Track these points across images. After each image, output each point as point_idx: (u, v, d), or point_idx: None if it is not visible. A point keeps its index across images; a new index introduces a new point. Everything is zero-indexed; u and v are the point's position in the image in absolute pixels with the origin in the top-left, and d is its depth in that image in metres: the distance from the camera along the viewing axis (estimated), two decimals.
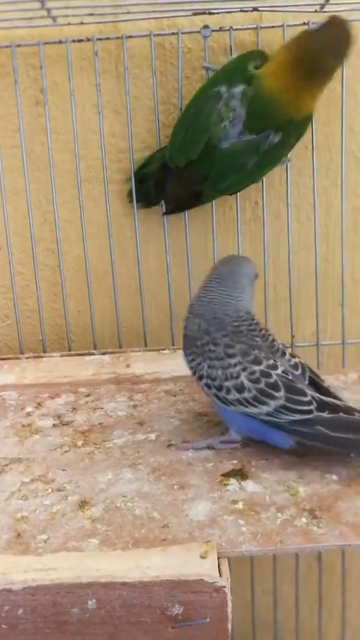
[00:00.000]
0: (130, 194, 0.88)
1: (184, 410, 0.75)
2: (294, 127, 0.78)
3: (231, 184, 0.82)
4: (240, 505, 0.57)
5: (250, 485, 0.60)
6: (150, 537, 0.54)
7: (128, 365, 0.85)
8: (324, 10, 0.81)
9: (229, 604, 0.47)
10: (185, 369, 0.84)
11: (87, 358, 0.87)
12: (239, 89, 0.77)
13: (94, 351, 0.89)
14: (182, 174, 0.82)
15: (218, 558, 0.51)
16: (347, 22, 0.73)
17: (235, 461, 0.64)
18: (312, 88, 0.75)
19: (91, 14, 0.80)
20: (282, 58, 0.74)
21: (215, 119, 0.78)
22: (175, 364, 0.85)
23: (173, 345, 0.92)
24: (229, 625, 0.47)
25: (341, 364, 0.93)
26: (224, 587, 0.47)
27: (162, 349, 0.89)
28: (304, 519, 0.55)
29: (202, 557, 0.50)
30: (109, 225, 0.89)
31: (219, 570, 0.49)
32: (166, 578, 0.47)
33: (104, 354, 0.88)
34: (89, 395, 0.80)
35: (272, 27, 0.84)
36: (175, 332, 0.93)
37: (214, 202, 0.88)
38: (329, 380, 0.79)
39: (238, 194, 0.88)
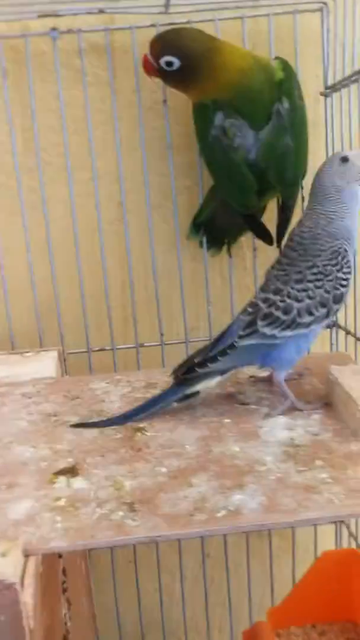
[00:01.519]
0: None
1: (35, 412, 0.74)
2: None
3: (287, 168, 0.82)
4: (62, 502, 0.57)
5: (78, 482, 0.60)
6: None
7: None
8: (169, 12, 0.83)
9: (25, 601, 0.47)
10: (46, 370, 0.84)
11: None
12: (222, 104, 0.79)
13: None
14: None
15: (26, 556, 0.51)
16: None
17: (70, 459, 0.64)
18: None
19: None
20: None
21: (229, 146, 0.79)
22: (37, 366, 0.85)
23: (41, 346, 0.92)
24: (26, 624, 0.47)
25: None
26: (14, 584, 0.46)
27: (26, 352, 0.88)
28: (121, 513, 0.55)
29: (3, 555, 0.49)
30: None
31: (24, 568, 0.49)
32: None
33: None
34: None
35: (121, 29, 0.85)
36: (43, 333, 0.92)
37: None
38: None
39: None
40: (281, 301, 0.67)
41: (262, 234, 0.87)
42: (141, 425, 0.70)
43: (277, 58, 0.81)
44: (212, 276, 0.95)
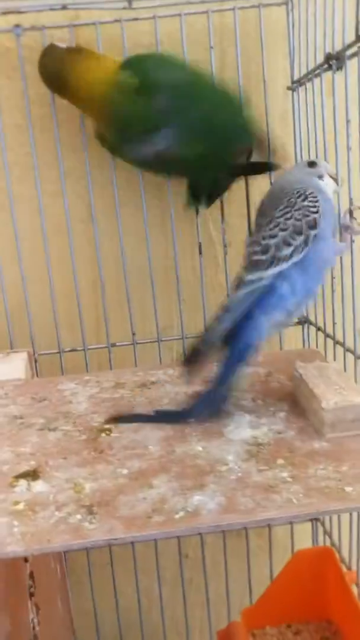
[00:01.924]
0: None
1: (1, 414, 0.73)
2: None
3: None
4: (21, 506, 0.56)
5: (39, 486, 0.59)
6: None
7: None
8: (132, 7, 0.82)
9: None
10: (15, 372, 0.83)
11: None
12: None
13: None
14: None
15: None
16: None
17: (33, 462, 0.63)
18: None
19: None
20: None
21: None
22: (6, 368, 0.84)
23: (12, 348, 0.91)
24: None
25: None
26: None
27: None
28: (79, 516, 0.55)
29: None
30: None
31: None
32: None
33: None
34: None
35: (85, 24, 0.84)
36: (14, 335, 0.91)
37: None
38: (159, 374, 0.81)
39: None
40: (258, 245, 0.68)
41: (258, 168, 0.86)
42: (106, 426, 0.69)
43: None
44: (183, 274, 0.94)
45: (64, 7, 0.82)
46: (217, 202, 0.90)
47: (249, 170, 0.87)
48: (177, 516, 0.53)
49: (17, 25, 0.83)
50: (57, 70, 0.79)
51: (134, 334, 0.93)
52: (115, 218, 0.90)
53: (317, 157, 0.81)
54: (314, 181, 0.71)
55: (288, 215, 0.67)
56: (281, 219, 0.68)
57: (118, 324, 0.94)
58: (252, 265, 0.68)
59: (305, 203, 0.68)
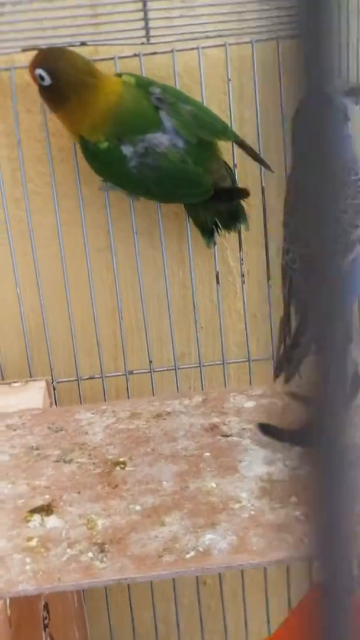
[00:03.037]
0: None
1: (18, 445, 0.74)
2: None
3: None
4: (34, 543, 0.57)
5: (52, 521, 0.60)
6: None
7: None
8: (150, 42, 0.83)
9: None
10: (33, 401, 0.84)
11: None
12: None
13: None
14: None
15: None
16: None
17: (47, 496, 0.64)
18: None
19: None
20: None
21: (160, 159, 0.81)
22: (24, 397, 0.85)
23: (31, 376, 0.92)
24: None
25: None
26: None
27: (14, 382, 0.89)
28: (90, 554, 0.55)
29: None
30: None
31: None
32: None
33: None
34: None
35: (104, 59, 0.85)
36: (32, 362, 0.92)
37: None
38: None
39: None
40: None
41: (235, 194, 0.86)
42: (121, 459, 0.69)
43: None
44: (201, 302, 0.94)
45: (83, 44, 0.83)
46: (236, 232, 0.90)
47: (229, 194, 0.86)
48: (187, 556, 0.53)
49: None
50: (81, 73, 0.80)
51: (151, 362, 0.94)
52: (132, 247, 0.91)
53: None
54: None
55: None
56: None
57: (135, 351, 0.95)
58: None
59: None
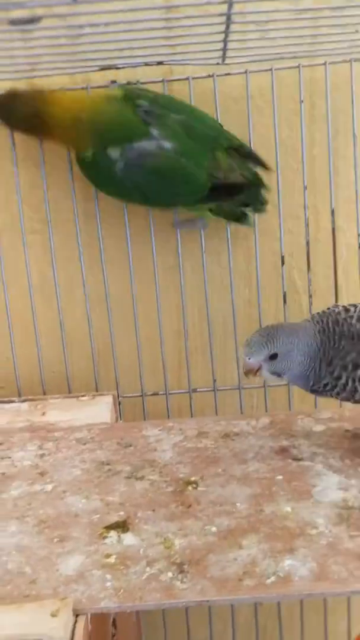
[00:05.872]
0: None
1: (89, 460, 0.75)
2: None
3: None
4: (112, 560, 0.58)
5: (128, 538, 0.61)
6: (15, 593, 0.54)
7: (44, 413, 0.85)
8: (225, 62, 0.84)
9: None
10: (101, 415, 0.85)
11: (7, 406, 0.88)
12: None
13: (14, 399, 0.90)
14: None
15: (77, 615, 0.51)
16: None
17: (122, 512, 0.65)
18: None
19: (5, 71, 0.83)
20: None
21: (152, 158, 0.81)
22: (92, 410, 0.86)
23: (97, 390, 0.94)
24: None
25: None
26: None
27: (82, 396, 0.90)
28: (170, 574, 0.55)
29: (53, 615, 0.50)
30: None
31: (74, 628, 0.50)
32: (7, 638, 0.47)
33: (24, 401, 0.89)
34: (1, 444, 0.80)
35: (178, 79, 0.87)
36: (99, 377, 0.94)
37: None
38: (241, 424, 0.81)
39: None
40: None
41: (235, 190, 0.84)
42: (192, 478, 0.69)
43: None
44: (266, 321, 0.94)
45: (159, 63, 0.84)
46: (304, 252, 0.90)
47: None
48: (268, 581, 0.53)
49: (114, 81, 0.86)
50: (35, 108, 0.81)
51: (214, 380, 0.94)
52: (200, 266, 0.91)
53: None
54: None
55: None
56: None
57: (200, 369, 0.95)
58: None
59: None
